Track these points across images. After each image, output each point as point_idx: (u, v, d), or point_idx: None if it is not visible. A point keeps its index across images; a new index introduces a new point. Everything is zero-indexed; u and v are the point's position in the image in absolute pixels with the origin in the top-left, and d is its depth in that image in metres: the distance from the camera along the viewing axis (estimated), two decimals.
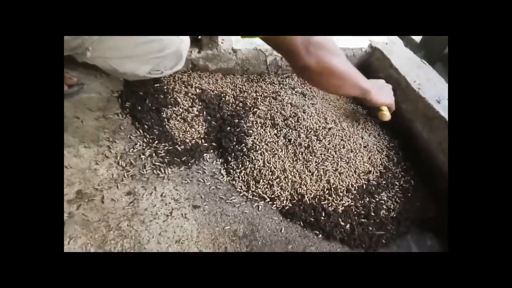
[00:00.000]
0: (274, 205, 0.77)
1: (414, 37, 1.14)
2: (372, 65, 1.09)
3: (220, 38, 1.05)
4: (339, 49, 0.71)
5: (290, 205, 0.76)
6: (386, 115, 0.90)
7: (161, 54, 0.81)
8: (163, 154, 0.84)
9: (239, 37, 1.10)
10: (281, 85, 1.07)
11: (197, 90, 1.02)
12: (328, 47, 0.66)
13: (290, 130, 0.89)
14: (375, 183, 0.80)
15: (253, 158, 0.83)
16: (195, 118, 0.94)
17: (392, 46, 1.08)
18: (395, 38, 1.13)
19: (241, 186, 0.80)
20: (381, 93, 0.87)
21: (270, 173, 0.80)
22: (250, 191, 0.79)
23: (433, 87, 0.90)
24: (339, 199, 0.76)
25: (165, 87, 1.01)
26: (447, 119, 0.78)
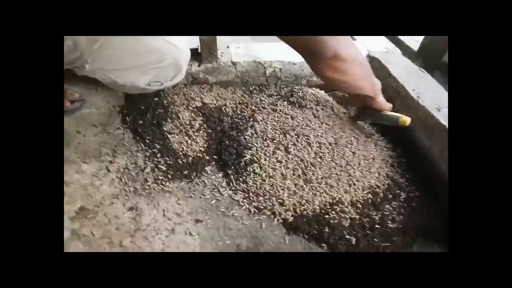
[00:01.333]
0: (276, 219, 0.76)
1: (411, 45, 1.15)
2: None
3: (219, 51, 1.07)
4: None
5: (292, 218, 0.75)
6: (408, 119, 0.83)
7: (160, 64, 0.82)
8: (165, 168, 0.84)
9: (238, 49, 1.11)
10: (280, 97, 1.07)
11: (198, 104, 1.02)
12: (351, 42, 0.70)
13: (291, 142, 0.89)
14: (382, 195, 0.80)
15: (253, 171, 0.83)
16: (196, 131, 0.94)
17: (390, 55, 1.09)
18: (393, 47, 1.15)
19: (242, 200, 0.79)
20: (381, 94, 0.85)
21: (270, 186, 0.80)
22: (251, 205, 0.78)
23: (432, 95, 0.90)
24: (344, 212, 0.76)
25: (166, 100, 1.01)
26: (447, 127, 0.78)
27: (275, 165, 0.84)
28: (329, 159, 0.84)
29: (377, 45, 1.14)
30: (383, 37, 1.18)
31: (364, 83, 0.76)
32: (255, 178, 0.82)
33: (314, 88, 1.10)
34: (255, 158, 0.85)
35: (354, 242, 0.72)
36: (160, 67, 0.82)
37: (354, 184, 0.81)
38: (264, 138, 0.90)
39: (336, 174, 0.82)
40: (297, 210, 0.76)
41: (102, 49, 0.73)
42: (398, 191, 0.82)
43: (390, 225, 0.75)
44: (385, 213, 0.77)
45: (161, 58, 0.81)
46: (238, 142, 0.90)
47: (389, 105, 0.87)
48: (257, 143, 0.89)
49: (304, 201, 0.77)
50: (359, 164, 0.85)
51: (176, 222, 0.74)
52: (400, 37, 1.19)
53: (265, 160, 0.85)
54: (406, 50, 1.13)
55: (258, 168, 0.83)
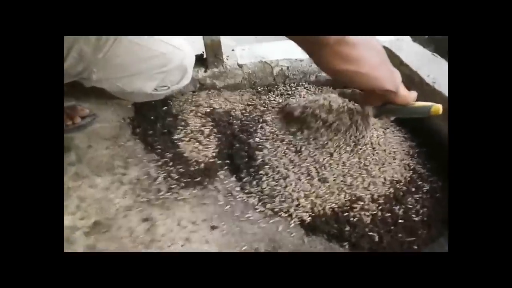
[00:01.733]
0: (293, 220, 0.73)
1: None
2: None
3: (224, 55, 1.06)
4: None
5: (310, 219, 0.72)
6: (440, 106, 0.65)
7: (165, 68, 0.82)
8: (177, 176, 0.83)
9: (244, 51, 1.10)
10: (289, 95, 1.05)
11: (207, 109, 1.02)
12: None
13: (303, 142, 0.85)
14: (404, 188, 0.76)
15: (265, 173, 0.80)
16: (206, 137, 0.93)
17: (400, 43, 1.05)
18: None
19: (256, 203, 0.77)
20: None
21: (284, 188, 0.77)
22: (266, 207, 0.76)
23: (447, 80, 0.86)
24: (364, 209, 0.72)
25: (175, 109, 1.01)
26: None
27: (288, 166, 0.81)
28: (345, 157, 0.80)
29: None
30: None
31: (382, 73, 0.57)
32: (268, 180, 0.79)
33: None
34: (266, 160, 0.83)
35: (377, 239, 0.68)
36: (166, 71, 0.82)
37: (374, 180, 0.77)
38: (274, 139, 0.88)
39: (355, 171, 0.78)
40: (315, 209, 0.74)
41: (106, 58, 0.74)
42: (420, 183, 0.77)
43: (415, 219, 0.71)
44: (408, 206, 0.72)
45: (165, 61, 0.81)
46: (248, 145, 0.88)
47: (414, 95, 0.67)
48: (267, 145, 0.87)
49: (321, 200, 0.74)
50: (378, 159, 0.81)
51: (192, 230, 0.73)
52: None
53: (277, 161, 0.82)
54: (416, 37, 1.08)
55: (271, 170, 0.81)
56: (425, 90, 0.88)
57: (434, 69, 0.91)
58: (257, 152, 0.86)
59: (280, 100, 1.03)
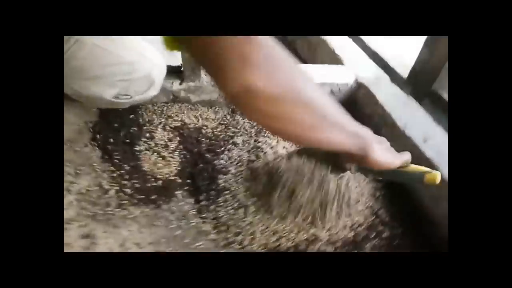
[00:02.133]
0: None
1: (400, 72, 1.12)
2: (358, 101, 1.06)
3: (202, 70, 1.03)
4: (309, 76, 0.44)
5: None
6: (437, 175, 0.54)
7: (129, 77, 0.77)
8: (131, 192, 0.78)
9: None
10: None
11: (177, 123, 0.97)
12: (287, 66, 0.40)
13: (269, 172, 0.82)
14: (365, 233, 0.73)
15: (225, 200, 0.77)
16: (171, 152, 0.89)
17: (378, 82, 1.06)
18: (382, 73, 1.11)
19: (211, 230, 0.73)
20: (383, 146, 0.55)
21: (241, 218, 0.73)
22: (220, 236, 0.72)
23: (419, 125, 0.86)
24: (320, 250, 0.69)
25: (142, 119, 0.96)
26: (433, 159, 0.73)
27: (249, 196, 0.77)
28: (311, 195, 0.77)
29: (365, 70, 1.11)
30: (371, 62, 1.16)
31: (326, 135, 0.45)
32: (227, 208, 0.75)
33: None
34: (227, 185, 0.79)
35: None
36: (129, 80, 0.78)
37: (337, 221, 0.74)
38: (239, 164, 0.85)
39: (318, 210, 0.75)
40: (269, 246, 0.70)
41: (66, 59, 0.69)
42: (381, 228, 0.75)
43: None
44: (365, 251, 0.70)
45: (131, 70, 0.77)
46: (212, 166, 0.84)
47: (402, 159, 0.56)
48: (232, 169, 0.83)
49: (277, 237, 0.70)
50: (343, 199, 0.78)
51: None
52: (389, 63, 1.16)
53: (239, 188, 0.79)
54: (394, 76, 1.10)
55: (231, 197, 0.77)
56: (396, 134, 0.88)
57: (407, 113, 0.91)
58: (220, 176, 0.82)
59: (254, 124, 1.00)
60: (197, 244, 0.70)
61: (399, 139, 0.86)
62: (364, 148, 0.49)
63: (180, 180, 0.83)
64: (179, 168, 0.86)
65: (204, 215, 0.76)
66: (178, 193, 0.81)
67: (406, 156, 0.57)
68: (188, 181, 0.84)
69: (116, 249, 0.67)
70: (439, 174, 0.54)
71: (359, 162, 0.53)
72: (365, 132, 0.50)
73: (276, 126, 0.42)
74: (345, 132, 0.47)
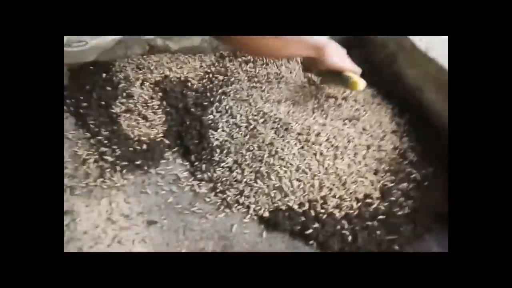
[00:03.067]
0: (249, 215, 0.60)
1: None
2: None
3: None
4: None
5: (268, 213, 0.59)
6: (361, 83, 0.65)
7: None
8: (112, 159, 0.67)
9: None
10: (264, 63, 0.87)
11: (157, 77, 0.84)
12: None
13: (267, 123, 0.69)
14: (382, 172, 0.63)
15: (220, 158, 0.66)
16: (154, 111, 0.77)
17: None
18: None
19: (208, 193, 0.63)
20: (337, 53, 0.67)
21: (241, 176, 0.63)
22: (219, 198, 0.62)
23: (445, 44, 0.71)
24: (340, 206, 0.59)
25: (116, 76, 0.83)
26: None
27: (246, 152, 0.65)
28: (320, 143, 0.65)
29: None
30: None
31: (290, 49, 0.62)
32: (222, 167, 0.65)
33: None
34: (222, 142, 0.68)
35: (351, 237, 0.55)
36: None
37: (357, 170, 0.63)
38: (232, 117, 0.72)
39: (328, 160, 0.63)
40: (277, 202, 0.60)
41: None
42: (408, 169, 0.64)
43: (397, 213, 0.58)
44: (391, 198, 0.60)
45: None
46: (200, 123, 0.72)
47: (351, 67, 0.68)
48: (224, 123, 0.71)
49: (283, 193, 0.60)
50: (360, 145, 0.65)
51: (122, 227, 0.58)
52: None
53: (234, 144, 0.67)
54: None
55: (225, 154, 0.66)
56: (417, 58, 0.73)
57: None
58: (211, 132, 0.70)
59: (249, 69, 0.86)
60: (193, 209, 0.61)
61: (421, 65, 0.72)
62: (318, 51, 0.63)
63: (167, 141, 0.72)
64: (164, 128, 0.74)
65: (199, 176, 0.66)
66: (167, 155, 0.70)
67: (356, 68, 0.69)
68: (177, 141, 0.73)
69: (102, 224, 0.58)
70: (363, 82, 0.65)
71: (318, 64, 0.67)
72: (322, 41, 0.63)
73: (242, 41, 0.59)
74: (303, 43, 0.62)
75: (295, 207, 0.59)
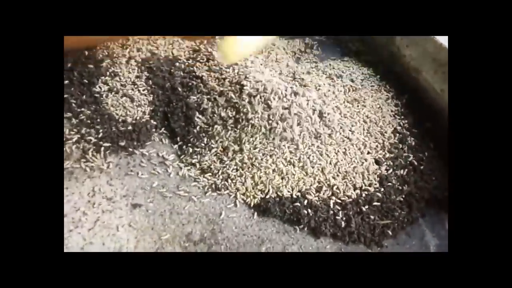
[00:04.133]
0: (239, 198, 0.57)
1: None
2: None
3: None
4: None
5: (259, 200, 0.56)
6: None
7: None
8: (95, 140, 0.64)
9: None
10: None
11: (144, 55, 0.80)
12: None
13: (258, 106, 0.65)
14: (382, 159, 0.61)
15: (208, 141, 0.62)
16: (140, 90, 0.73)
17: None
18: None
19: (195, 176, 0.60)
20: None
21: (229, 159, 0.60)
22: (207, 181, 0.59)
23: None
24: (331, 189, 0.57)
25: (100, 54, 0.78)
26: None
27: (235, 135, 0.62)
28: (316, 129, 0.62)
29: None
30: None
31: None
32: (210, 149, 0.62)
33: None
34: (209, 124, 0.65)
35: (344, 222, 0.53)
36: None
37: (354, 156, 0.60)
38: (222, 97, 0.68)
39: (322, 147, 0.61)
40: (267, 188, 0.57)
41: None
42: (403, 153, 0.62)
43: (392, 197, 0.57)
44: (388, 184, 0.57)
45: None
46: (186, 104, 0.68)
47: None
48: (212, 104, 0.67)
49: (278, 179, 0.57)
50: (358, 128, 0.63)
51: (105, 210, 0.55)
52: None
53: (223, 125, 0.64)
54: None
55: (214, 136, 0.63)
56: (415, 36, 0.70)
57: None
58: (198, 114, 0.67)
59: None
60: (180, 192, 0.58)
61: (419, 43, 0.69)
62: None
63: (153, 122, 0.69)
64: (151, 108, 0.71)
65: (187, 160, 0.63)
66: (155, 135, 0.67)
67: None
68: (165, 122, 0.69)
69: (82, 207, 0.55)
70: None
71: None
72: None
73: None
74: None
75: (287, 194, 0.56)
